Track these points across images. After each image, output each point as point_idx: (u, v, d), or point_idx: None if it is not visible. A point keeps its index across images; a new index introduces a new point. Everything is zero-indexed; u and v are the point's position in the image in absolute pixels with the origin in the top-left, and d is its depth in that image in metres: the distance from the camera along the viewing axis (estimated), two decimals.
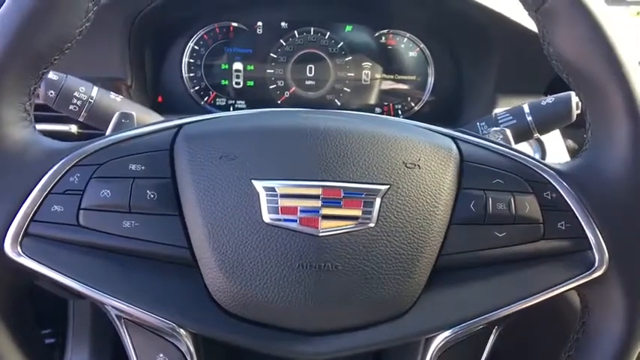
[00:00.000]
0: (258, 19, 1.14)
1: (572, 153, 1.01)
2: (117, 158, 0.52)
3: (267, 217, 0.49)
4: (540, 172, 0.55)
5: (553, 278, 0.54)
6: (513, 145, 0.68)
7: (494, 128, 0.71)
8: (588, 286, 0.54)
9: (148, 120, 0.75)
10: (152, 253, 0.51)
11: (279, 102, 1.17)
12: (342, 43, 1.15)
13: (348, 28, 1.15)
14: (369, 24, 1.15)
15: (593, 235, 0.53)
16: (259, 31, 1.15)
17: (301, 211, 0.50)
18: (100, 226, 0.50)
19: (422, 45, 1.15)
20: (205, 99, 1.17)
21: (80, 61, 0.89)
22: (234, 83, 1.16)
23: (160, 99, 1.14)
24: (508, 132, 0.69)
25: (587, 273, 0.53)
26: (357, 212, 0.50)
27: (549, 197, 0.54)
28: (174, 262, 0.51)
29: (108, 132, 0.65)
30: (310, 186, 0.50)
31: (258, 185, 0.50)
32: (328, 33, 1.14)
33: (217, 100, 1.17)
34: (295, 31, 1.14)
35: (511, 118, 0.76)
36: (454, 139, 0.56)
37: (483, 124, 0.78)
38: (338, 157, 0.51)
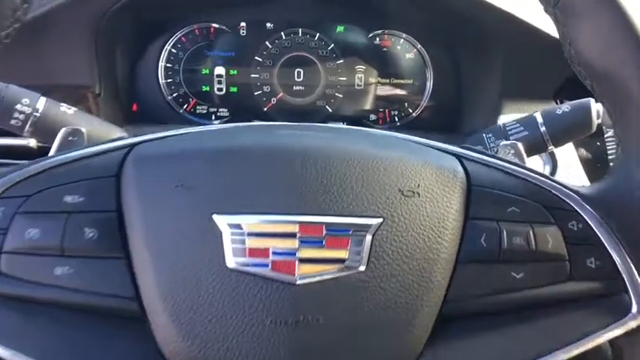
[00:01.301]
0: (242, 20, 1.05)
1: (586, 164, 0.91)
2: (49, 188, 0.43)
3: (231, 260, 0.40)
4: (563, 197, 0.46)
5: (581, 328, 0.44)
6: (526, 162, 0.59)
7: (504, 142, 0.61)
8: (623, 336, 0.45)
9: (106, 136, 0.66)
10: (91, 306, 0.41)
11: (265, 109, 1.08)
12: (332, 45, 1.06)
13: (340, 28, 1.05)
14: (362, 24, 1.06)
15: (628, 275, 0.44)
16: (243, 32, 1.05)
17: (274, 253, 0.40)
18: (27, 273, 0.41)
19: (419, 46, 1.06)
20: (184, 107, 1.07)
21: (39, 67, 0.80)
22: (216, 89, 1.07)
23: (134, 107, 1.05)
24: (520, 146, 0.60)
25: (622, 321, 0.44)
26: (344, 253, 0.41)
27: (575, 228, 0.45)
28: (118, 316, 0.42)
29: (51, 152, 0.56)
30: (285, 222, 0.41)
31: (221, 221, 0.41)
32: (318, 34, 1.05)
33: (198, 107, 1.08)
34: (282, 33, 1.05)
35: (522, 129, 0.67)
36: (459, 157, 0.46)
37: (490, 135, 0.69)
38: (319, 184, 0.42)
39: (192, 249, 0.40)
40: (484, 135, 0.70)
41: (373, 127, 1.09)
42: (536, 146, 0.66)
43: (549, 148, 0.66)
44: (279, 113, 1.08)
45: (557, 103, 0.94)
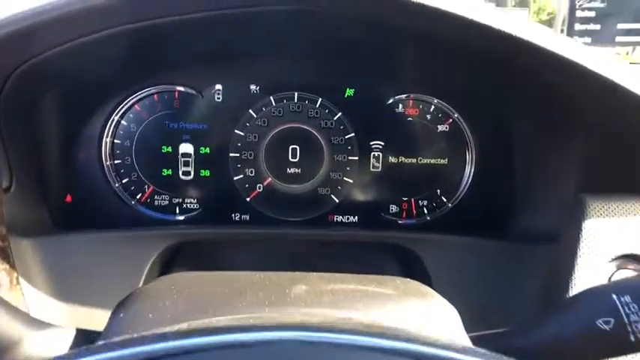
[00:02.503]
0: (216, 81, 0.78)
1: None
2: None
3: None
4: None
5: None
6: None
7: None
8: None
9: None
10: None
11: (248, 199, 0.80)
12: (339, 115, 0.80)
13: (349, 92, 0.79)
14: (380, 87, 0.80)
15: None
16: (218, 97, 0.79)
17: None
18: None
19: (456, 115, 0.80)
20: (138, 197, 0.80)
21: None
22: (181, 173, 0.80)
23: (68, 198, 0.76)
24: None
25: None
26: None
27: None
28: None
29: None
30: None
31: None
32: (320, 100, 0.79)
33: (156, 198, 0.80)
34: (271, 98, 0.79)
35: None
36: None
37: (627, 300, 0.40)
38: None
39: None
40: (615, 298, 0.41)
41: (394, 222, 0.81)
42: None
43: None
44: (266, 204, 0.82)
45: None
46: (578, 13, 5.75)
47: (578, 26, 5.73)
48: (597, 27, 5.73)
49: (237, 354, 0.27)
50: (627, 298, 0.40)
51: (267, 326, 0.30)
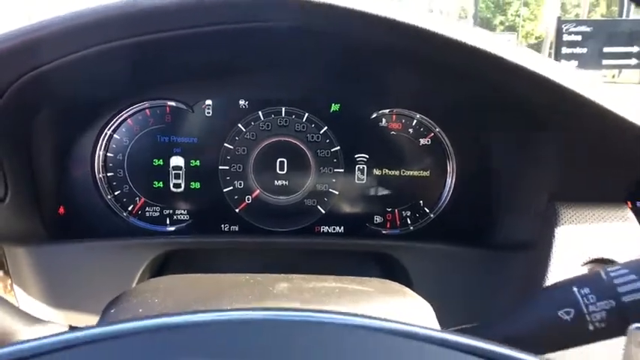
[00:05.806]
0: (206, 96, 0.81)
1: None
2: None
3: None
4: None
5: None
6: None
7: (636, 325, 0.35)
8: None
9: None
10: None
11: (237, 210, 0.82)
12: (325, 128, 0.82)
13: (335, 107, 0.82)
14: (364, 102, 0.82)
15: None
16: (208, 112, 0.81)
17: None
18: None
19: (437, 130, 0.82)
20: (129, 208, 0.81)
21: None
22: (172, 185, 0.82)
23: (61, 210, 0.78)
24: None
25: None
26: None
27: None
28: None
29: None
30: None
31: None
32: (306, 114, 0.82)
33: (147, 209, 0.82)
34: (259, 112, 0.81)
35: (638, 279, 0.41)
36: None
37: (587, 292, 0.43)
38: None
39: None
40: (576, 290, 0.43)
41: (379, 232, 0.83)
42: None
43: None
44: (254, 216, 0.83)
45: (631, 208, 0.69)
46: (565, 37, 5.91)
47: (565, 49, 5.89)
48: (584, 50, 5.88)
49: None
50: (586, 290, 0.43)
51: (241, 309, 0.32)
